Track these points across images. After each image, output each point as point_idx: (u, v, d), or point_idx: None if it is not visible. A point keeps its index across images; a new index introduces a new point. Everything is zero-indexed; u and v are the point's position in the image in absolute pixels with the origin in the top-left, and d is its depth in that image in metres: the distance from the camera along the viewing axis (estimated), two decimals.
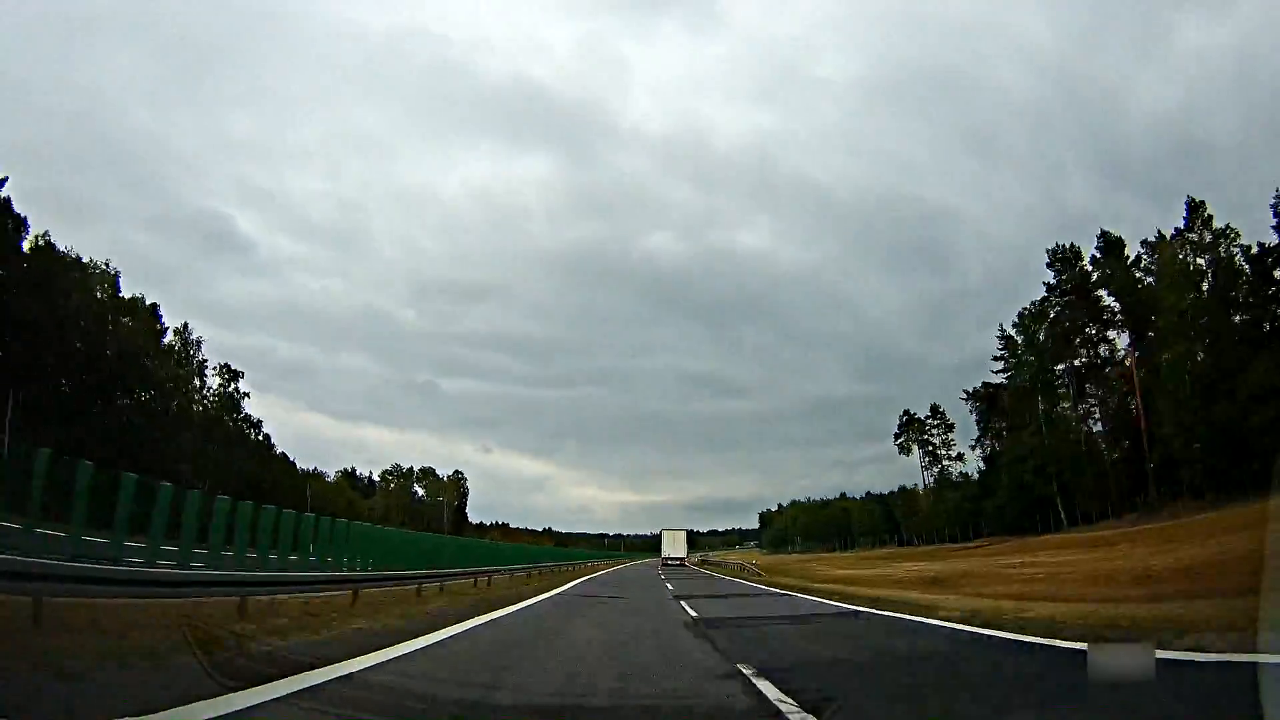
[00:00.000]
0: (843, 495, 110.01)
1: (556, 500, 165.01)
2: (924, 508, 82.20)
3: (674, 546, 56.14)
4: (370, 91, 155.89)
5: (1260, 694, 3.14)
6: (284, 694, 3.99)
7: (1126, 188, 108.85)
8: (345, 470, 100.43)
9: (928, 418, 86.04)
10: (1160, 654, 3.89)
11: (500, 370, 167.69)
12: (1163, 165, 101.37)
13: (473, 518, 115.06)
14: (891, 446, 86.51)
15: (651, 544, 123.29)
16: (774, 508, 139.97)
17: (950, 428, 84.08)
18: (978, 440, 75.27)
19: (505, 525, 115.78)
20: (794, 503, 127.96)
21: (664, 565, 49.85)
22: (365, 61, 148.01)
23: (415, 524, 74.07)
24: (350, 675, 4.86)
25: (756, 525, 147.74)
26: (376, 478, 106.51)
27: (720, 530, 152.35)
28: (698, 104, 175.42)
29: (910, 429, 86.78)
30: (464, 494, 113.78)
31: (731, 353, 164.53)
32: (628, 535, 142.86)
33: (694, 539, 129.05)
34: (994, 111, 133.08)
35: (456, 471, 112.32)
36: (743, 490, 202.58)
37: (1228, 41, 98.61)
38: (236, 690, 3.84)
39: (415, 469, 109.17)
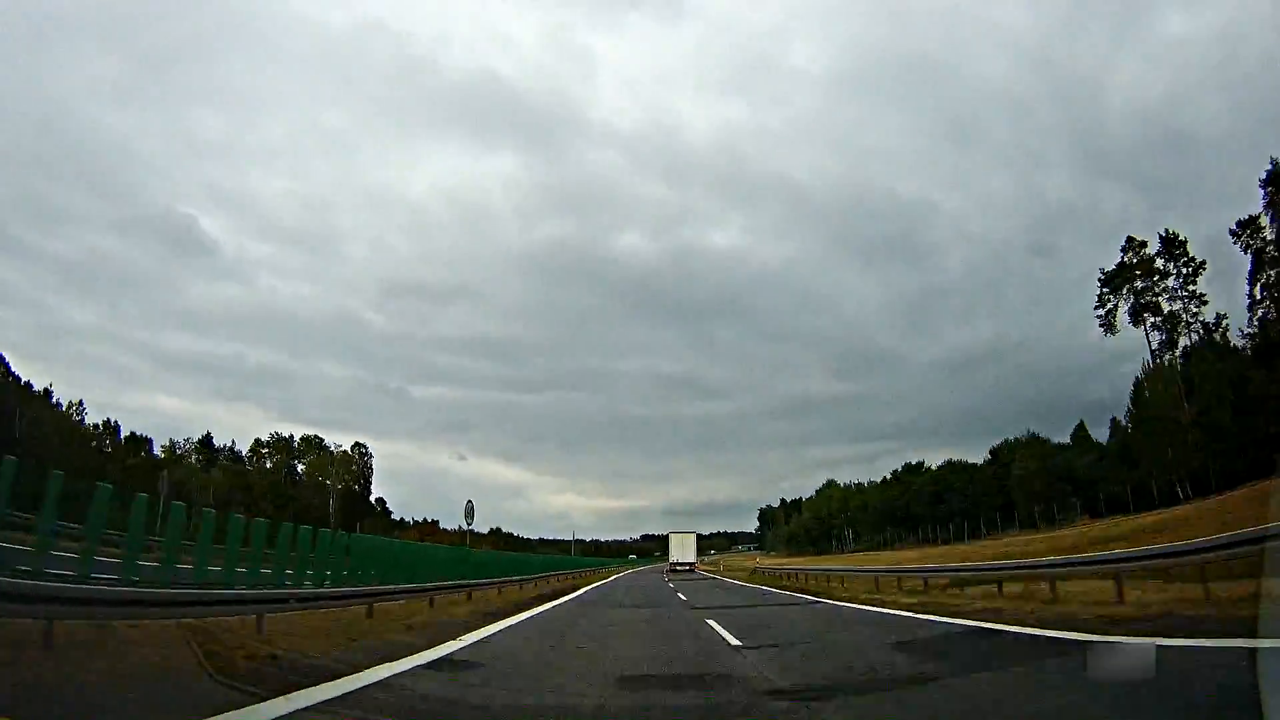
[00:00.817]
0: (908, 468, 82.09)
1: (534, 506, 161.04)
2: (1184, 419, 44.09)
3: (683, 551, 51.73)
4: (335, 89, 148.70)
5: (1258, 679, 3.17)
6: None
7: (1109, 178, 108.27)
8: (201, 438, 77.92)
9: (1158, 254, 48.36)
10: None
11: (475, 375, 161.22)
12: (1146, 155, 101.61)
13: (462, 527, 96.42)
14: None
15: (631, 549, 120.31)
16: (775, 503, 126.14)
17: (1196, 270, 47.57)
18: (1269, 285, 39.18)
19: (434, 523, 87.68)
20: (831, 483, 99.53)
21: (672, 572, 45.76)
22: (328, 59, 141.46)
23: (282, 513, 51.95)
24: None
25: (741, 527, 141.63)
26: (245, 450, 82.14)
27: (704, 534, 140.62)
28: (667, 97, 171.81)
29: (1129, 275, 49.04)
30: (366, 474, 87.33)
31: (708, 353, 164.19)
32: (605, 541, 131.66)
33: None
34: (973, 101, 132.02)
35: (357, 444, 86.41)
36: (721, 493, 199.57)
37: (1212, 27, 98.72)
38: None
39: (296, 438, 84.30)
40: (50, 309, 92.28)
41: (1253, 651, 4.13)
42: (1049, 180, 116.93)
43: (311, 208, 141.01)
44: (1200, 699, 3.80)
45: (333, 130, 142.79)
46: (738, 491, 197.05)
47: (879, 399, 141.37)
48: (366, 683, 5.32)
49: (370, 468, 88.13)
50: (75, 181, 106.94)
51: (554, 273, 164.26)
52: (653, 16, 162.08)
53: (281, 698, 4.44)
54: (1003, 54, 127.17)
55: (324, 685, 5.02)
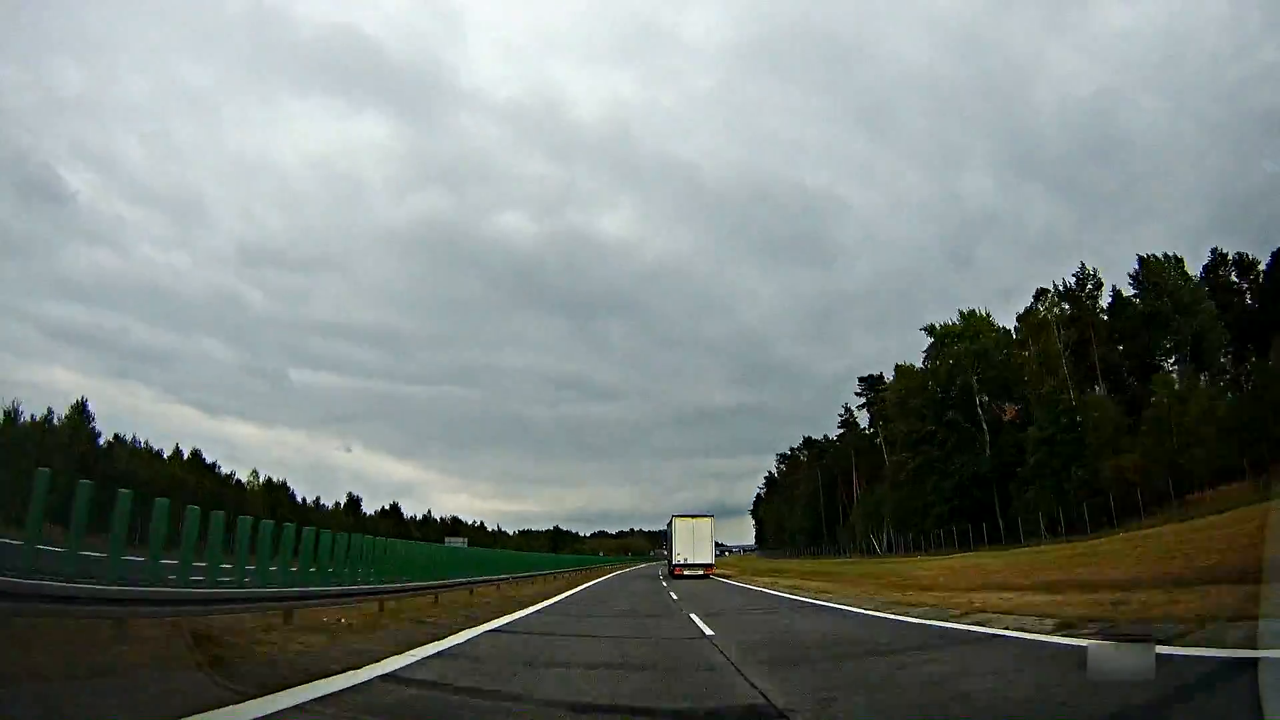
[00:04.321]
0: None
1: (428, 505, 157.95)
2: None
3: (694, 546, 32.63)
4: (194, 40, 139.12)
5: (1260, 690, 3.16)
6: None
7: (1036, 181, 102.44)
8: None
9: None
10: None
11: (360, 363, 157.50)
12: (1075, 158, 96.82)
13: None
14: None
15: (516, 545, 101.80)
16: (763, 484, 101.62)
17: None
18: None
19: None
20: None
21: (674, 576, 30.88)
22: (185, 5, 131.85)
23: None
24: None
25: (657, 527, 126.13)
26: None
27: (611, 534, 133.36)
28: (551, 66, 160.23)
29: None
30: None
31: (599, 352, 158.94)
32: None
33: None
34: (888, 86, 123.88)
35: None
36: (620, 503, 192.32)
37: (1155, 22, 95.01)
38: None
39: None
40: None
41: (1254, 663, 4.13)
42: (970, 181, 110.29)
43: (175, 170, 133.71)
44: (1200, 707, 3.82)
45: (195, 87, 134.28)
46: (635, 502, 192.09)
47: (782, 409, 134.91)
48: None
49: None
50: None
51: (433, 253, 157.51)
52: None
53: None
54: (923, 35, 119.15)
55: None
